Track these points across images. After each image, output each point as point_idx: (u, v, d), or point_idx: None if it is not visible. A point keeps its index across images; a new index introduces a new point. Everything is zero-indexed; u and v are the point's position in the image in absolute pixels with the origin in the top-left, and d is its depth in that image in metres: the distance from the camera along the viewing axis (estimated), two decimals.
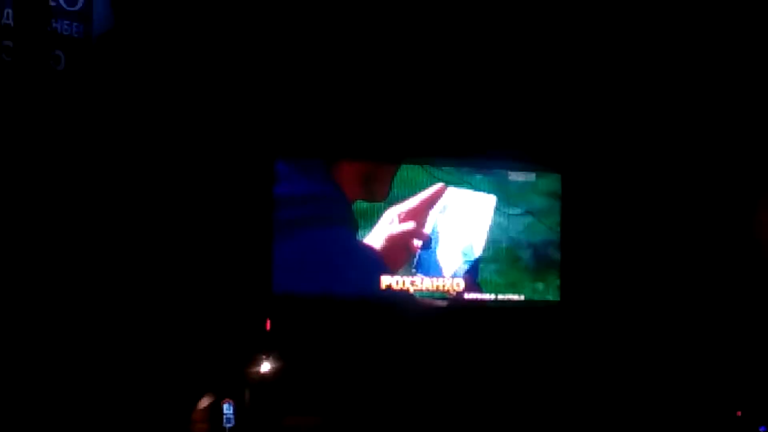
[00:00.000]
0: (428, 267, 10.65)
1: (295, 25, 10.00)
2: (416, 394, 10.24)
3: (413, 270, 10.59)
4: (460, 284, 10.73)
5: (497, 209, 10.85)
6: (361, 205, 10.49)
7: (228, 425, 9.53)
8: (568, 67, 10.72)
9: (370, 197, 10.53)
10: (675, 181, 11.08)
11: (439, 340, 10.44)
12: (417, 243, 10.61)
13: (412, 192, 10.65)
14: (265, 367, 9.89)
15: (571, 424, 10.34)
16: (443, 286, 10.69)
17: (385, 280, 10.53)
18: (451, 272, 10.72)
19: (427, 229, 10.66)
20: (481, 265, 10.81)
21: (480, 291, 10.78)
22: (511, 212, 10.91)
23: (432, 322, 10.55)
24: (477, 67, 10.57)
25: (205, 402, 9.65)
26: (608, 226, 11.04)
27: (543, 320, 10.88)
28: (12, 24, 8.97)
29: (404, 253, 10.59)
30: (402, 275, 10.56)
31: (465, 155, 10.84)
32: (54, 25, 9.13)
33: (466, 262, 10.77)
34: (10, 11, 8.95)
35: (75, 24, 9.31)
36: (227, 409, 9.58)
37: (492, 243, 10.83)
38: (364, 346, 10.24)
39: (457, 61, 10.51)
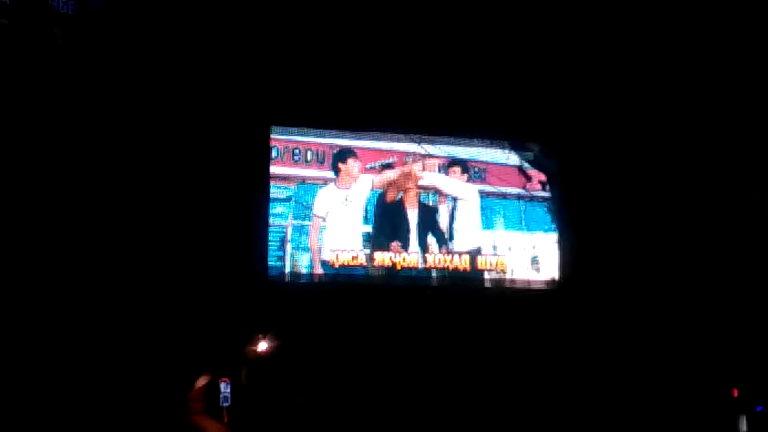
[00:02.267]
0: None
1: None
2: (414, 375, 10.19)
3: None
4: (466, 260, 10.73)
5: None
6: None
7: (225, 404, 9.48)
8: (563, 46, 10.71)
9: None
10: (678, 162, 11.07)
11: (435, 321, 10.40)
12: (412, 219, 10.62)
13: None
14: (262, 346, 9.86)
15: (573, 409, 10.32)
16: (447, 261, 10.69)
17: (380, 256, 10.53)
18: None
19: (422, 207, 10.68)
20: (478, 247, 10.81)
21: (478, 272, 10.78)
22: (507, 193, 10.94)
23: (431, 302, 10.54)
24: (470, 46, 10.56)
25: (202, 381, 9.59)
26: (607, 209, 11.03)
27: (540, 304, 10.87)
28: (7, 1, 8.97)
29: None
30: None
31: (460, 135, 10.87)
32: (50, 2, 9.12)
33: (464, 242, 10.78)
34: None
35: (71, 2, 9.29)
36: (224, 388, 9.53)
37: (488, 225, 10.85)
38: (363, 325, 10.20)
39: (450, 42, 10.51)
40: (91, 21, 9.31)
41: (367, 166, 10.57)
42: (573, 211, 11.07)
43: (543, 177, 11.10)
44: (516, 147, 11.10)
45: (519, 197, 10.99)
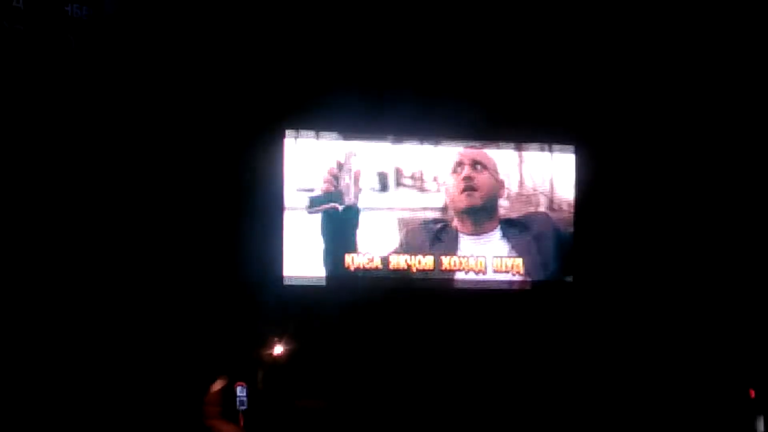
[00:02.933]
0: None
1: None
2: (430, 379, 10.18)
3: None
4: (483, 262, 10.67)
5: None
6: None
7: (241, 408, 9.45)
8: (581, 30, 10.69)
9: None
10: (698, 154, 10.98)
11: (451, 321, 10.38)
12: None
13: None
14: (279, 349, 9.85)
15: (589, 410, 10.29)
16: (465, 263, 10.65)
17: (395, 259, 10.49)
18: (468, 252, 10.65)
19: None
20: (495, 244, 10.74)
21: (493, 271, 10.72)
22: (523, 189, 10.86)
23: (449, 302, 10.51)
24: (483, 36, 10.56)
25: (218, 385, 9.59)
26: (624, 203, 10.97)
27: (555, 301, 10.81)
28: (22, 7, 9.01)
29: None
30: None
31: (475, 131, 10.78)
32: (64, 7, 9.15)
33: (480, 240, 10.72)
34: None
35: (85, 6, 9.32)
36: (240, 392, 9.51)
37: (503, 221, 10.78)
38: (380, 328, 10.21)
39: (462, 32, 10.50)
40: (105, 25, 9.38)
41: None
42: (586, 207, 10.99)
43: None
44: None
45: None
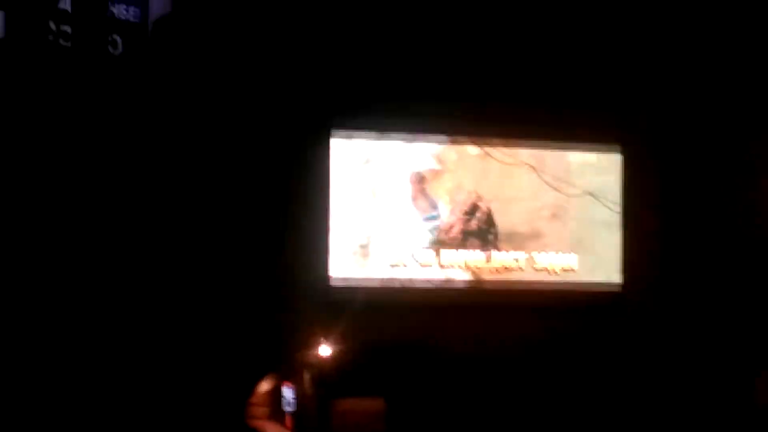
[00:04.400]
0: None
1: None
2: (476, 380, 10.13)
3: None
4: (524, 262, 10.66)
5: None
6: None
7: (288, 409, 9.49)
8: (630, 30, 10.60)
9: None
10: (746, 155, 10.80)
11: (503, 324, 10.32)
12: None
13: None
14: (325, 350, 9.83)
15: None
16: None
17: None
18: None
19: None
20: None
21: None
22: (570, 192, 10.78)
23: (498, 304, 10.45)
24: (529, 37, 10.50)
25: (265, 386, 9.60)
26: (674, 206, 10.83)
27: (603, 307, 10.68)
28: (69, 9, 9.06)
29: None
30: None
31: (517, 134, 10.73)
32: (111, 9, 9.20)
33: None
34: None
35: (132, 8, 9.36)
36: (287, 392, 9.53)
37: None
38: (427, 328, 10.15)
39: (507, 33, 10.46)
40: (153, 28, 9.42)
41: None
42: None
43: None
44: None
45: None
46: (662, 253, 10.79)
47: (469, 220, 10.52)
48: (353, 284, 10.22)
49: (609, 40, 10.62)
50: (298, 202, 10.00)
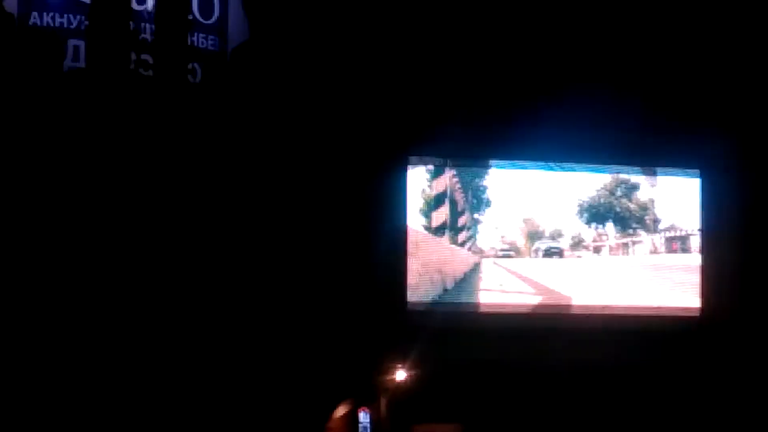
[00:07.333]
0: None
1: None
2: (555, 403, 10.04)
3: None
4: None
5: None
6: None
7: None
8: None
9: None
10: None
11: (582, 347, 10.19)
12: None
13: None
14: (401, 375, 9.82)
15: None
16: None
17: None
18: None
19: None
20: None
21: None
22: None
23: (577, 329, 10.38)
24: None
25: (341, 410, 9.63)
26: (754, 230, 10.63)
27: (681, 332, 10.54)
28: (149, 39, 9.24)
29: None
30: None
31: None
32: (190, 38, 9.35)
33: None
34: (148, 25, 9.23)
35: (210, 37, 9.52)
36: (363, 417, 9.55)
37: None
38: (501, 354, 10.09)
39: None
40: (230, 57, 9.56)
41: None
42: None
43: None
44: None
45: None
46: (742, 277, 10.58)
47: None
48: (431, 309, 10.22)
49: (690, 66, 10.54)
50: (376, 228, 10.01)
